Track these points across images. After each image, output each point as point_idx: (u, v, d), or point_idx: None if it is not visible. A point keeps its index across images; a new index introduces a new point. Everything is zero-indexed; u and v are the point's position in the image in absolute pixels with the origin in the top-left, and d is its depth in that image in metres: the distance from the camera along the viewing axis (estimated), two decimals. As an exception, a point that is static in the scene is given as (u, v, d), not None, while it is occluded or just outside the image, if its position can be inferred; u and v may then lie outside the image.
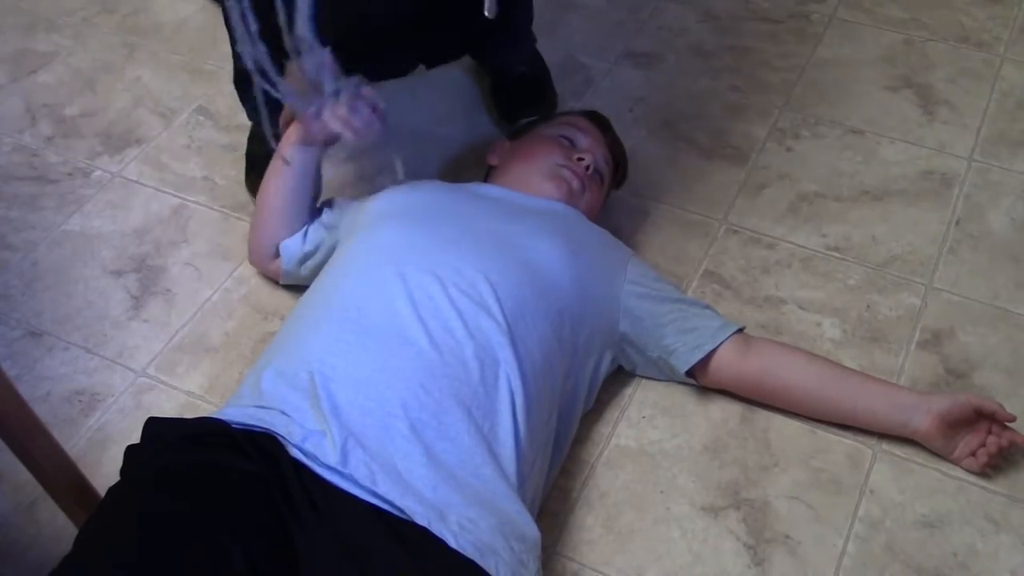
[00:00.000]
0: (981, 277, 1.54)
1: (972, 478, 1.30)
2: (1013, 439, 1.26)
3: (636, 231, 1.62)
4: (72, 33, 2.04)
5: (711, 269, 1.56)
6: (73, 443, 1.37)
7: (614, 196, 1.66)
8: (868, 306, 1.50)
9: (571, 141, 1.46)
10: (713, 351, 1.32)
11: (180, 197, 1.71)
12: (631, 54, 1.96)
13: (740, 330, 1.35)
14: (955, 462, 1.30)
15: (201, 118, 1.85)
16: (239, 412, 1.08)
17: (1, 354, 1.47)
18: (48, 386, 1.44)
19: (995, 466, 1.30)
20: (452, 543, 0.97)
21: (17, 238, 1.65)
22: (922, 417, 1.28)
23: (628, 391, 1.41)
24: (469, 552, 0.97)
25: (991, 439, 1.27)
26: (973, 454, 1.28)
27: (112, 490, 1.02)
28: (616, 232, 1.62)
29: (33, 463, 1.13)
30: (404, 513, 0.98)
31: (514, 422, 1.09)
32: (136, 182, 1.74)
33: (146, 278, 1.59)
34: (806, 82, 1.88)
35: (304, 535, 0.97)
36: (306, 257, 1.44)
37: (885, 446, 1.33)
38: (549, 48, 1.96)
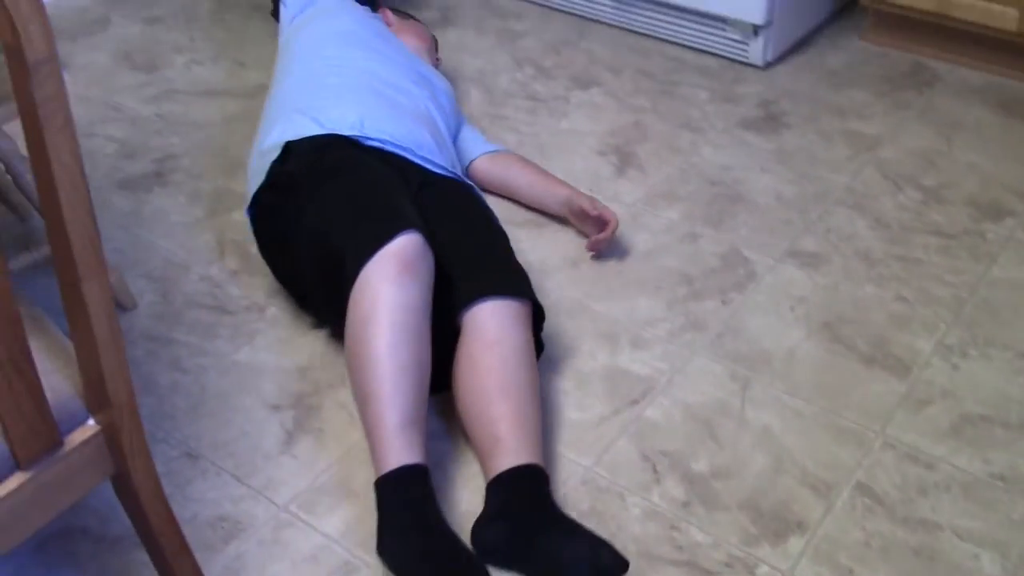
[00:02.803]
0: None
1: None
2: (606, 236, 1.90)
3: (788, 430, 1.59)
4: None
5: (863, 482, 1.51)
6: (209, 568, 1.40)
7: (768, 392, 1.64)
8: (1033, 544, 1.41)
9: (436, 44, 2.36)
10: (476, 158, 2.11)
11: (344, 342, 1.78)
12: (796, 253, 1.97)
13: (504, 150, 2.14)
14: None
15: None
16: (334, 131, 1.77)
17: (159, 471, 1.53)
18: (195, 508, 1.49)
19: (601, 251, 1.93)
20: (460, 179, 1.85)
21: (190, 362, 1.75)
22: (561, 207, 2.00)
23: None
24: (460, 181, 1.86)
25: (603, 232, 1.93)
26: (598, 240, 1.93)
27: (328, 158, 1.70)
28: (766, 429, 1.59)
29: (173, 584, 1.16)
30: (444, 169, 1.83)
31: (448, 141, 1.97)
32: (307, 321, 1.83)
33: (301, 415, 1.65)
34: (978, 300, 1.84)
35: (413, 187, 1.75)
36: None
37: None
38: (714, 239, 2.00)
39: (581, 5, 2.74)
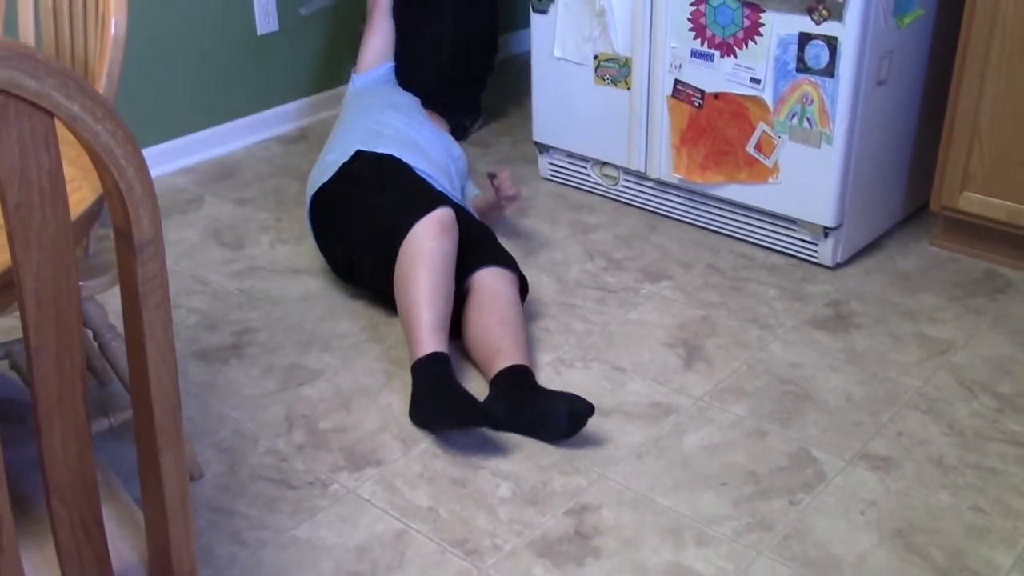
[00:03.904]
0: None
1: None
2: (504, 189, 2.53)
3: (858, 645, 1.52)
4: (341, 355, 2.26)
5: None
6: None
7: (837, 602, 1.58)
8: None
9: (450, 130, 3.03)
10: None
11: (404, 523, 1.78)
12: (867, 456, 1.93)
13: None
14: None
15: (438, 450, 1.95)
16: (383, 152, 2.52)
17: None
18: None
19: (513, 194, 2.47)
20: (463, 207, 2.50)
21: (250, 535, 1.75)
22: (488, 198, 2.65)
23: None
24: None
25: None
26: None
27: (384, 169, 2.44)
28: (836, 642, 1.52)
29: None
30: (457, 199, 2.51)
31: (457, 188, 2.62)
32: (368, 501, 1.83)
33: (356, 597, 1.62)
34: (1059, 515, 1.77)
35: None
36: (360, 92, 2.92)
37: None
38: (782, 437, 1.97)
39: (653, 201, 2.83)
